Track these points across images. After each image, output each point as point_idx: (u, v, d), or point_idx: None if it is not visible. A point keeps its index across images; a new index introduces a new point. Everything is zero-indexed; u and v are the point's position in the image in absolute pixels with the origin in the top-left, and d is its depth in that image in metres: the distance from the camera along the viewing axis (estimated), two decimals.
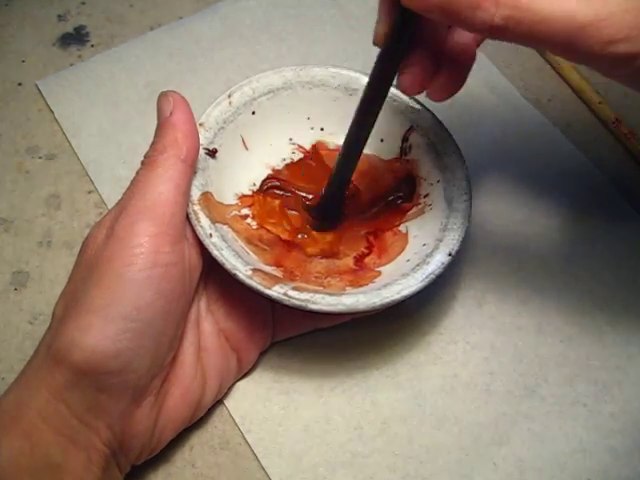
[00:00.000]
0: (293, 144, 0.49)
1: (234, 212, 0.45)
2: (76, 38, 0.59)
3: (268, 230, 0.45)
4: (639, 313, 0.48)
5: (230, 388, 0.45)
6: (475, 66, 0.53)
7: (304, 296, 0.39)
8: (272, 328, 0.45)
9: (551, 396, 0.45)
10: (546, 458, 0.44)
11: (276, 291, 0.39)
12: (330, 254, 0.45)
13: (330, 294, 0.40)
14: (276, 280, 0.40)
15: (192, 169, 0.41)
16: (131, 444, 0.38)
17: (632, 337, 0.48)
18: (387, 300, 0.40)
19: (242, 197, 0.46)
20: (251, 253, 0.43)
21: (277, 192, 0.47)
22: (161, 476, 0.42)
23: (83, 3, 0.61)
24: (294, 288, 0.40)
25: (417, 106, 0.47)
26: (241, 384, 0.45)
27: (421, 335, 0.47)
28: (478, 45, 0.40)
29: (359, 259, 0.45)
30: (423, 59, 0.38)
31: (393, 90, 0.47)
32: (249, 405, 0.45)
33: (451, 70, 0.39)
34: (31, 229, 0.50)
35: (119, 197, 0.39)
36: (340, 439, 0.44)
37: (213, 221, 0.41)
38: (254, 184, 0.47)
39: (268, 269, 0.42)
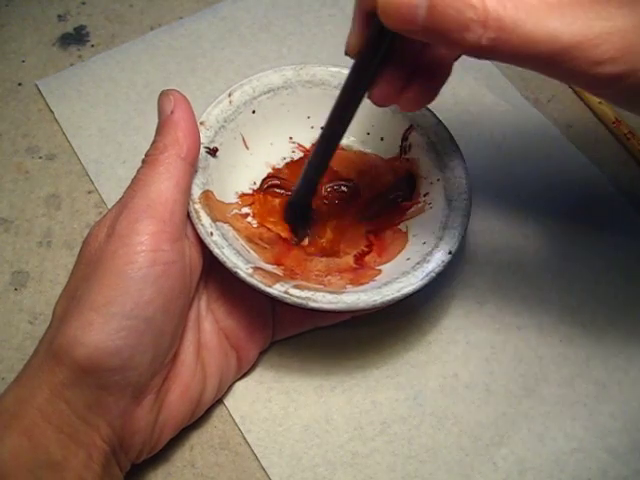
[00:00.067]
0: (293, 143, 0.49)
1: (235, 211, 0.45)
2: (76, 38, 0.59)
3: (268, 229, 0.46)
4: (639, 313, 0.48)
5: (230, 388, 0.45)
6: (475, 66, 0.53)
7: (305, 294, 0.39)
8: (272, 327, 0.45)
9: (551, 396, 0.45)
10: (546, 458, 0.44)
11: (277, 289, 0.39)
12: (330, 252, 0.46)
13: (331, 292, 0.40)
14: (277, 278, 0.40)
15: (193, 168, 0.41)
16: (131, 442, 0.38)
17: (632, 337, 0.48)
18: (387, 298, 0.40)
19: (242, 196, 0.46)
20: (252, 251, 0.43)
21: (277, 191, 0.48)
22: (161, 476, 0.42)
23: (83, 3, 0.61)
24: (295, 286, 0.40)
25: None
26: (241, 384, 0.45)
27: (421, 334, 0.47)
28: (456, 59, 0.39)
29: (359, 257, 0.45)
30: (395, 72, 0.38)
31: None
32: (249, 405, 0.45)
33: (424, 84, 0.39)
34: (31, 229, 0.50)
35: (119, 197, 0.39)
36: (340, 439, 0.44)
37: (214, 219, 0.41)
38: (254, 183, 0.47)
39: (269, 267, 0.42)
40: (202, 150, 0.43)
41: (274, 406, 0.45)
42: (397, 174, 0.48)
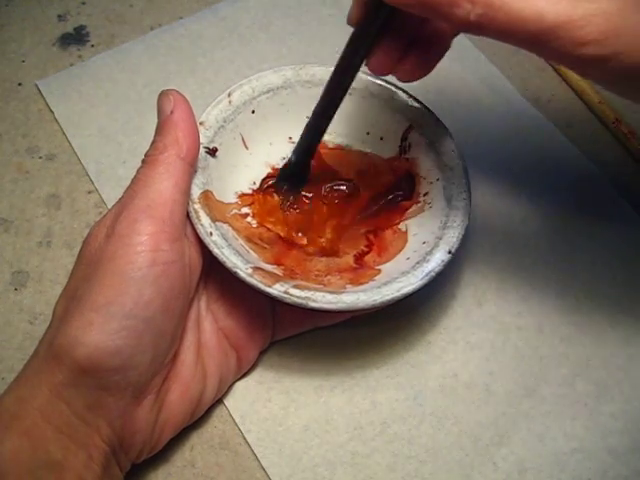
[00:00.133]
0: (293, 143, 0.49)
1: (234, 211, 0.45)
2: (76, 38, 0.59)
3: (268, 228, 0.46)
4: (639, 313, 0.48)
5: (230, 388, 0.45)
6: (475, 66, 0.53)
7: (304, 294, 0.39)
8: (272, 327, 0.45)
9: (551, 396, 0.45)
10: (546, 458, 0.44)
11: (276, 289, 0.39)
12: (330, 252, 0.46)
13: (330, 292, 0.40)
14: (276, 278, 0.40)
15: (192, 168, 0.41)
16: (131, 442, 0.38)
17: (632, 337, 0.48)
18: (387, 298, 0.40)
19: (242, 196, 0.46)
20: (251, 251, 0.43)
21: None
22: (161, 476, 0.42)
23: (83, 3, 0.61)
24: (294, 286, 0.40)
25: (416, 105, 0.47)
26: (241, 384, 0.45)
27: (421, 334, 0.47)
28: (455, 34, 0.40)
29: (359, 257, 0.45)
30: (393, 42, 0.39)
31: (392, 89, 0.47)
32: (249, 405, 0.45)
33: (421, 55, 0.40)
34: (31, 229, 0.50)
35: (119, 197, 0.39)
36: (340, 439, 0.44)
37: (213, 219, 0.41)
38: (254, 183, 0.47)
39: (268, 267, 0.42)
40: (202, 150, 0.43)
41: (274, 406, 0.45)
42: (397, 174, 0.48)
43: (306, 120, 0.46)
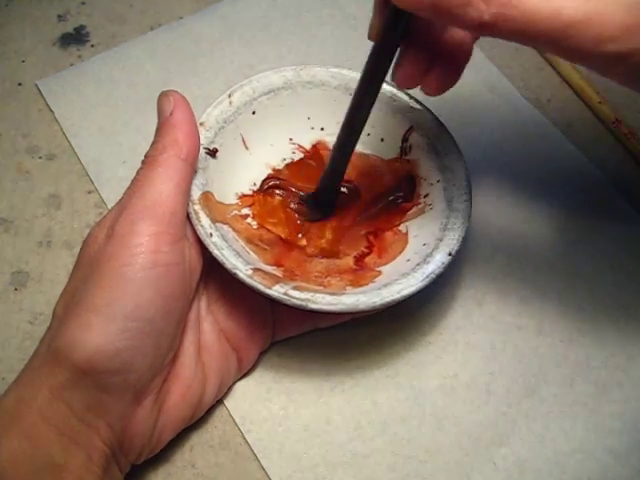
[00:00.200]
0: (293, 144, 0.49)
1: (234, 212, 0.45)
2: (76, 38, 0.59)
3: (268, 230, 0.46)
4: (639, 313, 0.48)
5: (230, 388, 0.45)
6: (475, 66, 0.53)
7: (304, 295, 0.39)
8: (272, 328, 0.45)
9: (551, 396, 0.45)
10: (546, 458, 0.44)
11: (276, 290, 0.39)
12: (330, 254, 0.45)
13: (330, 294, 0.40)
14: (276, 280, 0.40)
15: (192, 169, 0.41)
16: (131, 443, 0.38)
17: (632, 337, 0.48)
18: (387, 300, 0.40)
19: (242, 197, 0.46)
20: (251, 253, 0.43)
21: (277, 192, 0.47)
22: (161, 476, 0.42)
23: (83, 3, 0.61)
24: (294, 288, 0.40)
25: (417, 106, 0.47)
26: (241, 384, 0.45)
27: (421, 335, 0.47)
28: (474, 41, 0.40)
29: (359, 259, 0.45)
30: (418, 54, 0.39)
31: (393, 90, 0.47)
32: (249, 405, 0.45)
33: (446, 65, 0.39)
34: (31, 229, 0.50)
35: (119, 197, 0.39)
36: (340, 439, 0.44)
37: (213, 221, 0.41)
38: (254, 184, 0.47)
39: (268, 269, 0.42)
40: (202, 151, 0.43)
41: (274, 406, 0.45)
42: (397, 175, 0.48)
43: (307, 121, 0.46)
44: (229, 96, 0.46)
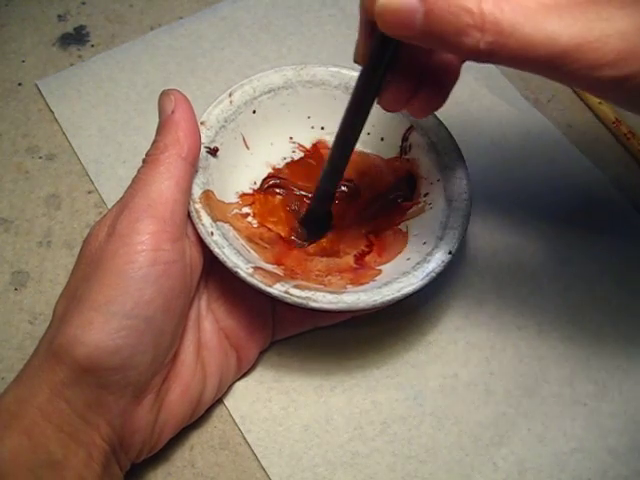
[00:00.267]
0: (294, 143, 0.49)
1: (235, 210, 0.45)
2: (76, 38, 0.59)
3: (269, 228, 0.46)
4: (639, 313, 0.48)
5: (230, 388, 0.45)
6: (475, 66, 0.53)
7: (305, 294, 0.39)
8: (272, 327, 0.45)
9: (551, 396, 0.45)
10: (546, 458, 0.44)
11: (277, 289, 0.39)
12: (331, 252, 0.46)
13: (331, 292, 0.40)
14: (277, 278, 0.40)
15: (193, 167, 0.41)
16: (131, 441, 0.38)
17: (632, 337, 0.48)
18: (388, 298, 0.40)
19: (243, 195, 0.46)
20: (252, 251, 0.43)
21: (278, 191, 0.48)
22: (161, 475, 0.42)
23: (83, 3, 0.61)
24: (295, 286, 0.40)
25: None
26: (241, 384, 0.45)
27: (421, 334, 0.47)
28: (462, 63, 0.39)
29: (360, 257, 0.45)
30: (404, 78, 0.38)
31: None
32: (249, 405, 0.45)
33: (433, 88, 0.39)
34: (31, 229, 0.50)
35: (119, 197, 0.39)
36: (340, 439, 0.44)
37: (214, 219, 0.41)
38: (255, 183, 0.47)
39: (269, 267, 0.42)
40: (203, 150, 0.43)
41: (274, 406, 0.45)
42: (397, 174, 0.48)
43: (307, 120, 0.46)
44: (230, 95, 0.46)
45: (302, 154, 0.49)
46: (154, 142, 0.40)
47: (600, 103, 0.56)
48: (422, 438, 0.44)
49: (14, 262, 0.49)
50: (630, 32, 0.30)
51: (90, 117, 0.55)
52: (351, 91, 0.41)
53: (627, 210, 0.53)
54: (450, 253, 0.42)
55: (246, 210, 0.46)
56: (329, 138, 0.48)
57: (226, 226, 0.42)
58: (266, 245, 0.44)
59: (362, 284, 0.42)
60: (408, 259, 0.43)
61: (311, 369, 0.46)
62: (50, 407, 0.35)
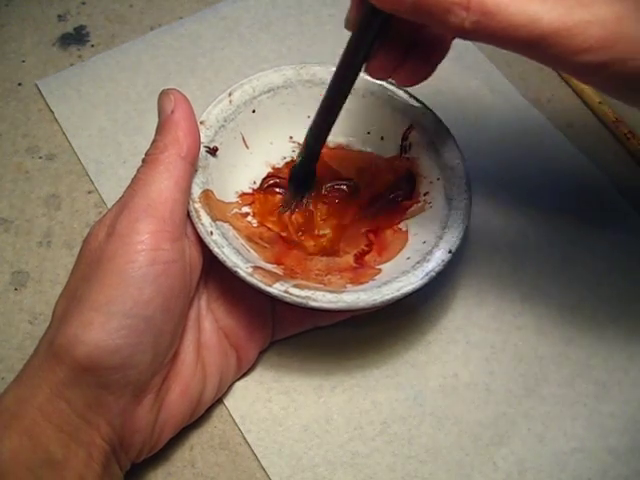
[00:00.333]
0: (293, 142, 0.49)
1: (235, 210, 0.45)
2: (76, 38, 0.59)
3: (268, 228, 0.46)
4: (639, 312, 0.48)
5: (230, 388, 0.45)
6: (475, 66, 0.53)
7: (305, 293, 0.39)
8: (272, 327, 0.45)
9: (551, 396, 0.45)
10: (546, 458, 0.44)
11: (277, 288, 0.39)
12: (330, 252, 0.46)
13: (331, 291, 0.40)
14: (277, 277, 0.40)
15: (193, 167, 0.41)
16: (131, 441, 0.38)
17: (632, 337, 0.48)
18: (387, 297, 0.40)
19: (243, 195, 0.46)
20: (252, 251, 0.43)
21: (277, 190, 0.48)
22: (161, 475, 0.42)
23: (83, 3, 0.61)
24: (295, 285, 0.40)
25: (417, 104, 0.47)
26: (241, 384, 0.45)
27: (421, 334, 0.47)
28: (453, 38, 0.39)
29: (359, 257, 0.45)
30: (393, 46, 0.38)
31: (393, 88, 0.47)
32: (249, 405, 0.45)
33: (420, 59, 0.39)
34: (31, 229, 0.50)
35: (119, 197, 0.39)
36: (340, 439, 0.44)
37: (214, 219, 0.41)
38: (254, 182, 0.47)
39: (269, 267, 0.42)
40: (202, 149, 0.43)
41: (274, 406, 0.45)
42: (397, 173, 0.48)
43: (307, 119, 0.45)
44: (229, 95, 0.46)
45: None
46: (153, 142, 0.40)
47: (600, 103, 0.56)
48: (422, 438, 0.44)
49: (14, 262, 0.49)
50: (609, 20, 0.31)
51: (90, 117, 0.55)
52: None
53: (626, 209, 0.53)
54: (450, 252, 0.42)
55: (246, 209, 0.46)
56: (329, 138, 0.48)
57: (226, 225, 0.42)
58: (266, 244, 0.44)
59: (362, 283, 0.42)
60: (408, 258, 0.43)
61: (311, 369, 0.46)
62: (50, 407, 0.35)
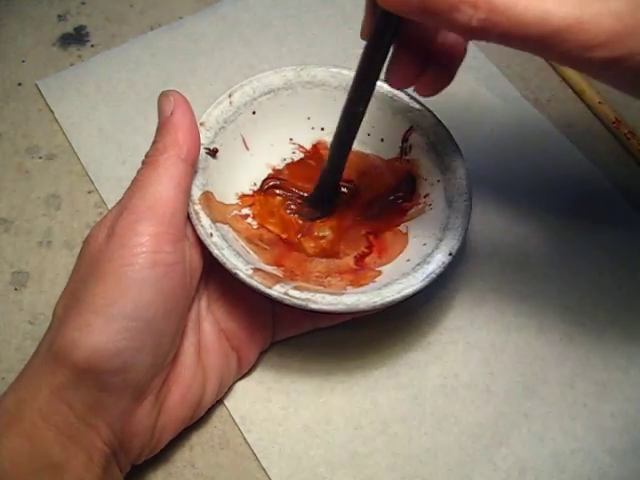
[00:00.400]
0: (293, 144, 0.49)
1: (235, 212, 0.45)
2: (76, 38, 0.59)
3: (269, 230, 0.46)
4: (639, 313, 0.48)
5: (230, 388, 0.45)
6: (475, 66, 0.53)
7: (305, 295, 0.39)
8: (272, 328, 0.45)
9: (551, 396, 0.45)
10: (546, 458, 0.44)
11: (277, 290, 0.39)
12: (330, 254, 0.46)
13: (331, 293, 0.40)
14: (277, 279, 0.40)
15: (193, 169, 0.41)
16: (131, 443, 0.38)
17: (632, 337, 0.48)
18: (388, 299, 0.40)
19: (243, 197, 0.46)
20: (252, 253, 0.43)
21: (277, 192, 0.47)
22: (161, 476, 0.42)
23: (83, 3, 0.61)
24: (295, 287, 0.40)
25: (417, 106, 0.47)
26: (241, 384, 0.45)
27: (421, 335, 0.47)
28: (468, 41, 0.39)
29: (359, 259, 0.45)
30: (411, 55, 0.38)
31: (393, 90, 0.47)
32: (249, 405, 0.45)
33: (439, 66, 0.39)
34: (31, 229, 0.50)
35: (119, 197, 0.39)
36: (340, 439, 0.44)
37: (214, 221, 0.41)
38: (254, 184, 0.47)
39: (269, 269, 0.42)
40: (202, 151, 0.43)
41: (274, 406, 0.45)
42: (397, 175, 0.48)
43: (307, 121, 0.46)
44: (229, 96, 0.46)
45: (302, 155, 0.49)
46: (153, 143, 0.40)
47: (600, 103, 0.56)
48: (422, 438, 0.44)
49: (14, 262, 0.49)
50: (624, 12, 0.30)
51: (90, 117, 0.55)
52: None
53: (626, 209, 0.52)
54: (450, 254, 0.42)
55: (246, 211, 0.46)
56: (329, 139, 0.48)
57: (226, 227, 0.42)
58: (266, 246, 0.44)
59: (362, 285, 0.42)
60: (408, 260, 0.43)
61: (311, 370, 0.46)
62: (50, 409, 0.34)
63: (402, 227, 0.46)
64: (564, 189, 0.53)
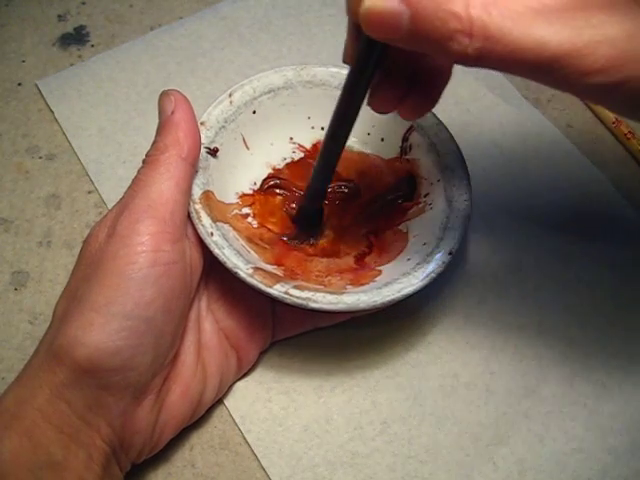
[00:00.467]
0: (294, 143, 0.49)
1: (235, 211, 0.45)
2: (76, 38, 0.59)
3: (269, 229, 0.46)
4: (639, 313, 0.48)
5: (230, 388, 0.45)
6: None
7: (305, 295, 0.39)
8: (272, 328, 0.45)
9: (551, 396, 0.45)
10: (546, 458, 0.44)
11: (277, 289, 0.39)
12: (331, 253, 0.46)
13: (331, 293, 0.40)
14: (277, 279, 0.40)
15: (193, 168, 0.41)
16: (132, 442, 0.38)
17: (632, 337, 0.48)
18: (388, 299, 0.40)
19: (243, 196, 0.46)
20: (252, 252, 0.43)
21: (278, 191, 0.48)
22: (161, 476, 0.42)
23: (83, 3, 0.61)
24: (295, 287, 0.40)
25: None
26: (241, 384, 0.45)
27: (421, 335, 0.47)
28: (452, 66, 0.38)
29: (360, 258, 0.45)
30: (394, 79, 0.38)
31: None
32: (249, 405, 0.45)
33: (423, 90, 0.38)
34: (31, 229, 0.50)
35: (119, 197, 0.39)
36: (340, 439, 0.44)
37: (214, 220, 0.41)
38: (255, 183, 0.47)
39: (269, 268, 0.42)
40: (202, 150, 0.43)
41: (274, 406, 0.45)
42: (397, 175, 0.48)
43: (307, 120, 0.46)
44: (230, 95, 0.46)
45: (302, 155, 0.49)
46: (154, 143, 0.40)
47: None
48: (422, 438, 0.44)
49: (14, 262, 0.49)
50: (620, 38, 0.30)
51: (90, 117, 0.55)
52: None
53: (626, 209, 0.53)
54: (450, 254, 0.42)
55: (246, 211, 0.46)
56: None
57: (226, 227, 0.42)
58: (266, 246, 0.44)
59: (362, 285, 0.42)
60: (408, 260, 0.43)
61: (311, 369, 0.46)
62: (50, 408, 0.35)
63: (402, 226, 0.46)
64: (563, 189, 0.53)
